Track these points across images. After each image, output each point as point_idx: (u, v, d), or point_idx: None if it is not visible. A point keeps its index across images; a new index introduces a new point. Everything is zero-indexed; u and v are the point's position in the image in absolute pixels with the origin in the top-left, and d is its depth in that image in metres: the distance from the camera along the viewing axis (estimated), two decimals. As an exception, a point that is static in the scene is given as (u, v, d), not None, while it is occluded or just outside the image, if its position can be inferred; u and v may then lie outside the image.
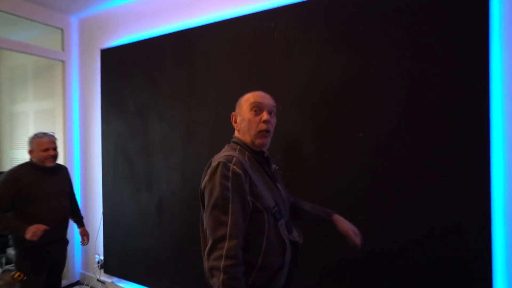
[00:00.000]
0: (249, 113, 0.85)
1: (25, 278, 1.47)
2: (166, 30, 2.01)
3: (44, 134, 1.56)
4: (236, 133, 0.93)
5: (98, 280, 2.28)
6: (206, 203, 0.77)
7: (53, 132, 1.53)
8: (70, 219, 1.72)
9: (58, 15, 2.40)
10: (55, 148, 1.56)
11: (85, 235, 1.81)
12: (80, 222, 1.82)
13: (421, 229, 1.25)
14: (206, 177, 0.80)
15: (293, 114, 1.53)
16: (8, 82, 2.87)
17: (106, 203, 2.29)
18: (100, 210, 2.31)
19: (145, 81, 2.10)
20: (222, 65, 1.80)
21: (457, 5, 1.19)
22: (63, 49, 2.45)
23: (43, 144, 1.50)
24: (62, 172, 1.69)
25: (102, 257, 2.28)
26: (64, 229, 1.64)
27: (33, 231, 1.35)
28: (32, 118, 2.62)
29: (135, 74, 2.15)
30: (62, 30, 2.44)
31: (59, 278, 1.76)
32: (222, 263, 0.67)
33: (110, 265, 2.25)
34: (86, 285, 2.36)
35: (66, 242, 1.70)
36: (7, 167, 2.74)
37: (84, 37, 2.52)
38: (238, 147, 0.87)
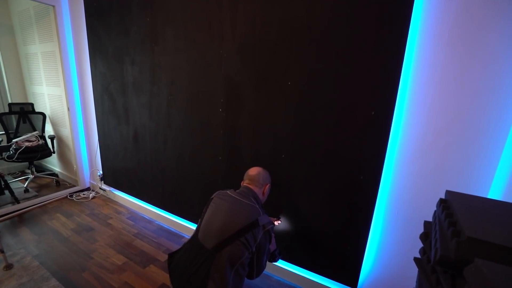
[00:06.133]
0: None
1: None
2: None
3: None
4: (259, 193, 1.40)
5: (101, 188, 3.00)
6: (261, 251, 1.20)
7: None
8: None
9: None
10: None
11: None
12: None
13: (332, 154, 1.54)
14: (263, 237, 1.19)
15: (237, 62, 1.70)
16: (18, 26, 3.22)
17: (99, 132, 2.81)
18: (96, 137, 2.87)
19: (118, 26, 2.29)
20: (179, 16, 1.92)
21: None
22: (51, -7, 2.64)
23: None
24: None
25: (101, 172, 2.96)
26: None
27: None
28: (40, 58, 3.01)
29: (111, 19, 2.33)
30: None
31: None
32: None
33: (107, 179, 2.92)
34: (92, 190, 3.11)
35: None
36: (31, 100, 3.39)
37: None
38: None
